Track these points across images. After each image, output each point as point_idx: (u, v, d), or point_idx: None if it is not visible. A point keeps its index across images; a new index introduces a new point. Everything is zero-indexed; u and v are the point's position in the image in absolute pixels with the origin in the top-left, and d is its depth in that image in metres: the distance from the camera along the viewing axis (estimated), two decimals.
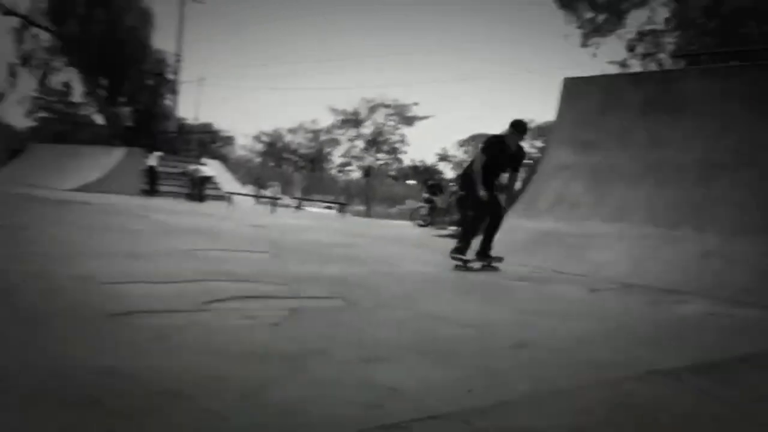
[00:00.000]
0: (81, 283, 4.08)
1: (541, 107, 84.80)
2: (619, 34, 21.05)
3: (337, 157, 51.30)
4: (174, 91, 30.79)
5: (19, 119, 35.77)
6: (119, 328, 3.08)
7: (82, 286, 3.98)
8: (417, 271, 6.59)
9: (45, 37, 28.80)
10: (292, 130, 52.77)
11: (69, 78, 30.90)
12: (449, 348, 3.30)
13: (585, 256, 7.94)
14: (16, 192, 14.82)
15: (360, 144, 48.87)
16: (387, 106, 47.60)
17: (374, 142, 48.91)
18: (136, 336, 2.95)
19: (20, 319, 3.10)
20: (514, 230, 9.39)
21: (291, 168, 45.98)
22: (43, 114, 38.12)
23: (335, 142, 50.39)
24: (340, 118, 48.67)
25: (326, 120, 58.48)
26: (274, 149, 53.21)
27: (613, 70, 20.01)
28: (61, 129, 34.78)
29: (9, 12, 27.36)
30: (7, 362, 2.46)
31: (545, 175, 10.08)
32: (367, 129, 48.59)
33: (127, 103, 27.05)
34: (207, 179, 21.19)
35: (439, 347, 3.31)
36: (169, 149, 25.28)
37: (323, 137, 51.16)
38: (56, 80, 31.46)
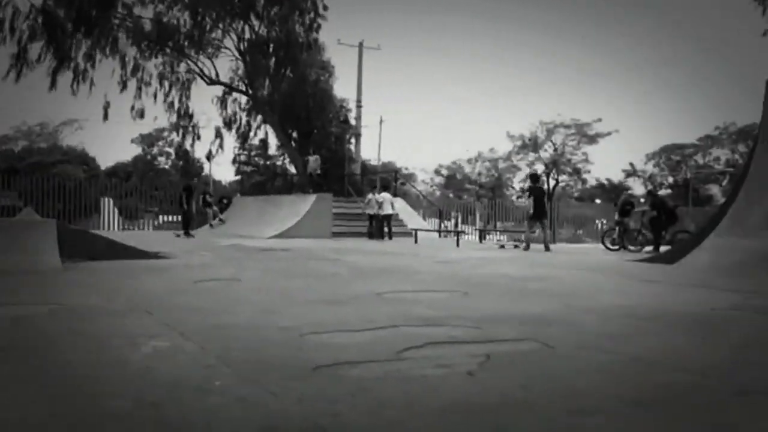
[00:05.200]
0: (285, 334, 4.32)
1: (736, 109, 78.72)
2: None
3: (517, 183, 50.33)
4: (357, 135, 32.74)
5: (226, 174, 29.61)
6: (323, 381, 3.18)
7: (286, 338, 4.19)
8: (616, 305, 6.04)
9: (243, 100, 31.31)
10: (470, 161, 52.51)
11: (265, 133, 32.61)
12: (664, 397, 3.00)
13: None
14: (228, 243, 15.86)
15: (540, 167, 47.19)
16: (567, 127, 45.93)
17: (555, 164, 47.32)
18: (338, 390, 3.03)
19: (237, 374, 3.32)
20: (722, 251, 8.45)
21: (472, 198, 45.25)
22: (245, 168, 41.39)
23: (515, 169, 49.58)
24: (518, 143, 47.79)
25: (504, 147, 56.28)
26: (454, 181, 53.65)
27: None
28: (261, 180, 38.79)
29: (213, 82, 29.89)
30: (225, 414, 2.62)
31: (754, 186, 9.04)
32: (546, 152, 47.40)
33: (316, 151, 27.61)
34: (389, 217, 20.90)
35: (653, 396, 3.02)
36: (356, 191, 26.46)
37: (502, 165, 50.49)
38: (255, 137, 32.19)
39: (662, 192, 44.50)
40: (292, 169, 33.57)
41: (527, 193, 16.51)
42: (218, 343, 4.05)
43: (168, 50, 28.27)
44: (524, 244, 15.87)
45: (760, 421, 2.73)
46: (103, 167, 51.85)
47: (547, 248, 15.28)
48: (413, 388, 3.07)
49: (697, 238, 10.54)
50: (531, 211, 15.47)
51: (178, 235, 19.35)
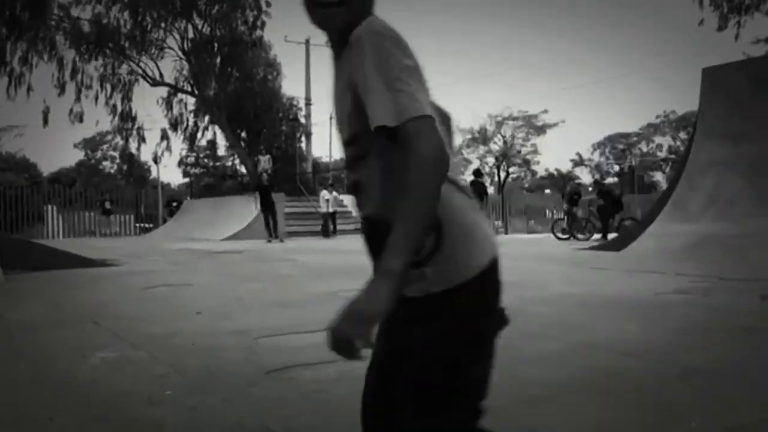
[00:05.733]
0: (239, 339, 4.27)
1: (679, 96, 79.28)
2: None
3: (468, 176, 45.31)
4: (308, 134, 32.24)
5: (175, 177, 33.62)
6: (276, 385, 3.17)
7: (240, 343, 4.15)
8: (566, 293, 6.19)
9: (190, 101, 30.50)
10: None
11: (213, 134, 31.91)
12: (612, 382, 3.10)
13: (749, 257, 7.38)
14: (179, 247, 15.35)
15: (491, 160, 47.93)
16: (515, 119, 46.35)
17: (505, 156, 47.84)
18: (291, 393, 3.03)
19: (190, 382, 3.30)
20: (666, 236, 8.70)
21: None
22: (194, 170, 41.49)
23: (466, 162, 48.88)
24: (468, 137, 47.87)
25: (455, 141, 50.67)
26: None
27: (759, 51, 18.62)
28: (211, 182, 39.02)
29: (157, 83, 29.09)
30: (176, 425, 2.61)
31: (695, 172, 9.32)
32: (496, 145, 47.90)
33: (267, 151, 27.76)
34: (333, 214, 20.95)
35: (602, 382, 3.11)
36: (307, 189, 26.21)
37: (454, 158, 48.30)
38: (202, 138, 31.32)
39: (609, 180, 45.74)
40: (243, 170, 33.18)
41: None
42: (170, 351, 3.97)
43: (108, 52, 27.39)
44: None
45: (701, 401, 2.82)
46: (45, 173, 50.25)
47: None
48: None
49: (642, 224, 10.87)
50: None
51: (269, 241, 17.87)
